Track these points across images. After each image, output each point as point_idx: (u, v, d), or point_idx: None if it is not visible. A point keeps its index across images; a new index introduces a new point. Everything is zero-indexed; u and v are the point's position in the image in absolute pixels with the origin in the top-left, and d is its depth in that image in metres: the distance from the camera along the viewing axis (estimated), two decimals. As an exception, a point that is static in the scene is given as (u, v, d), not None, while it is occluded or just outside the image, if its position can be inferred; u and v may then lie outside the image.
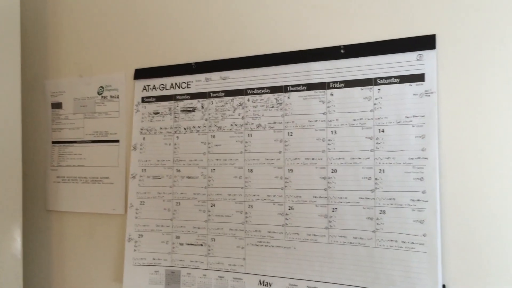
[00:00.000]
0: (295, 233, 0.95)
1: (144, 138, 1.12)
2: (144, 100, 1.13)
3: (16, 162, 1.10)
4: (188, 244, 1.06)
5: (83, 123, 1.22)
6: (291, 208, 0.96)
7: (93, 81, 1.21)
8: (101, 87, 1.20)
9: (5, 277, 1.08)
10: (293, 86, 0.97)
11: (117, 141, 1.17)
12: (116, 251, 1.17)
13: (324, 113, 0.94)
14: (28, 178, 1.26)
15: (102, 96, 1.19)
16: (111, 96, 1.18)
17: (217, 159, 1.04)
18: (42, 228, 1.28)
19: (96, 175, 1.20)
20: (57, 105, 1.26)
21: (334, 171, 0.92)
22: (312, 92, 0.95)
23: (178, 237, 1.07)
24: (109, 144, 1.18)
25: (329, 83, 0.94)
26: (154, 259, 1.09)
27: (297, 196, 0.95)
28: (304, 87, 0.96)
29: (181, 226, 1.07)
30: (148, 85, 1.13)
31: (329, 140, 0.93)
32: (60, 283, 1.25)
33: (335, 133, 0.92)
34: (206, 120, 1.06)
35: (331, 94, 0.93)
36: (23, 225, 1.12)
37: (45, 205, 1.27)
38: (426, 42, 0.85)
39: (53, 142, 1.27)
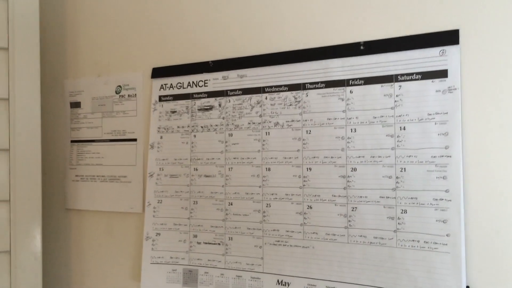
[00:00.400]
0: (314, 233, 0.94)
1: (161, 137, 1.12)
2: (161, 99, 1.13)
3: (36, 161, 1.11)
4: (206, 243, 1.05)
5: (101, 122, 1.23)
6: (309, 207, 0.94)
7: (111, 80, 1.21)
8: (119, 86, 1.20)
9: (25, 275, 1.09)
10: (311, 83, 0.96)
11: (134, 140, 1.17)
12: (134, 249, 1.17)
13: (344, 111, 0.92)
14: (47, 177, 1.27)
15: (120, 95, 1.20)
16: (128, 95, 1.19)
17: (234, 158, 1.03)
18: (61, 226, 1.29)
19: (114, 174, 1.20)
20: (75, 105, 1.27)
21: (354, 169, 0.90)
22: (331, 90, 0.94)
23: (195, 236, 1.07)
24: (127, 143, 1.19)
25: (348, 80, 0.92)
26: (171, 257, 1.09)
27: (316, 195, 0.94)
28: (323, 85, 0.95)
29: (199, 225, 1.06)
30: (165, 84, 1.13)
31: (349, 138, 0.91)
32: (79, 281, 1.26)
33: (355, 131, 0.91)
34: (223, 118, 1.05)
35: (351, 92, 0.92)
36: (43, 224, 1.12)
37: (64, 204, 1.28)
38: (449, 37, 0.83)
39: (72, 141, 1.27)
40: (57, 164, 1.29)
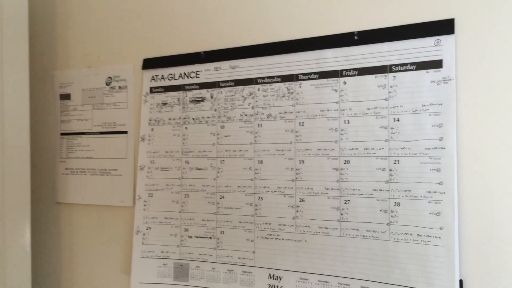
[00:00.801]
0: (306, 226, 0.92)
1: (152, 129, 1.10)
2: (152, 90, 1.11)
3: (25, 154, 1.09)
4: (197, 237, 1.04)
5: (92, 114, 1.20)
6: (302, 200, 0.93)
7: (101, 71, 1.19)
8: (109, 77, 1.18)
9: (14, 269, 1.07)
10: (304, 74, 0.94)
11: (125, 132, 1.15)
12: (125, 243, 1.15)
13: (337, 102, 0.91)
14: (36, 170, 1.25)
15: (110, 87, 1.18)
16: (119, 87, 1.17)
17: (226, 150, 1.01)
18: (51, 220, 1.27)
19: (104, 167, 1.18)
20: (65, 96, 1.25)
21: (347, 162, 0.89)
22: (324, 81, 0.92)
23: (186, 230, 1.05)
24: (117, 135, 1.17)
25: (342, 71, 0.91)
26: (162, 251, 1.07)
27: (308, 188, 0.92)
28: (316, 76, 0.93)
29: (190, 219, 1.05)
30: (156, 75, 1.11)
31: (342, 130, 0.90)
32: (69, 275, 1.24)
33: (348, 122, 0.89)
34: (215, 110, 1.03)
35: (344, 83, 0.90)
36: (32, 217, 1.11)
37: (54, 197, 1.26)
38: (444, 27, 0.81)
39: (62, 134, 1.25)
40: (47, 157, 1.27)
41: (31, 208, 1.10)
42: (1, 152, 1.06)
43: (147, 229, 1.09)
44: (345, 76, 0.90)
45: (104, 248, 1.19)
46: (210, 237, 1.02)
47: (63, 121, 1.25)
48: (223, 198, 1.01)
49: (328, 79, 0.92)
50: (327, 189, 0.91)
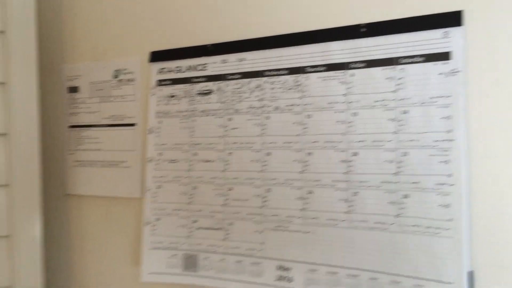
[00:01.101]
0: (314, 218, 0.93)
1: (160, 122, 1.11)
2: (160, 83, 1.12)
3: (34, 146, 1.11)
4: (206, 228, 1.05)
5: (100, 107, 1.21)
6: (310, 192, 0.94)
7: (109, 64, 1.20)
8: (117, 70, 1.18)
9: (25, 260, 1.09)
10: (311, 67, 0.94)
11: (133, 124, 1.16)
12: (134, 234, 1.17)
13: (344, 95, 0.91)
14: (46, 162, 1.26)
15: (118, 80, 1.18)
16: (127, 80, 1.17)
17: (234, 143, 1.02)
18: (61, 212, 1.29)
19: (113, 159, 1.19)
20: (73, 89, 1.25)
21: (355, 154, 0.89)
22: (331, 73, 0.92)
23: (195, 221, 1.06)
24: (125, 128, 1.17)
25: (349, 63, 0.90)
26: (171, 243, 1.08)
27: (316, 180, 0.93)
28: (323, 68, 0.93)
29: (198, 210, 1.06)
30: (163, 68, 1.11)
31: (350, 122, 0.90)
32: (80, 266, 1.26)
33: (356, 115, 0.89)
34: (222, 103, 1.03)
35: (352, 75, 0.90)
36: (43, 209, 1.12)
37: (63, 189, 1.28)
38: (453, 19, 0.81)
39: (70, 126, 1.26)
40: (56, 149, 1.28)
41: (42, 200, 1.12)
42: (12, 143, 1.07)
43: (156, 221, 1.10)
44: (353, 68, 0.90)
45: (114, 239, 1.20)
46: (219, 229, 1.03)
47: (71, 114, 1.26)
48: (231, 190, 1.02)
49: (336, 71, 0.92)
50: (335, 181, 0.91)
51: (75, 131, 1.25)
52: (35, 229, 1.11)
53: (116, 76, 1.18)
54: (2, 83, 1.06)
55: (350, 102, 0.90)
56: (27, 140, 1.10)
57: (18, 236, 1.08)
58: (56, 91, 1.28)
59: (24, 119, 1.09)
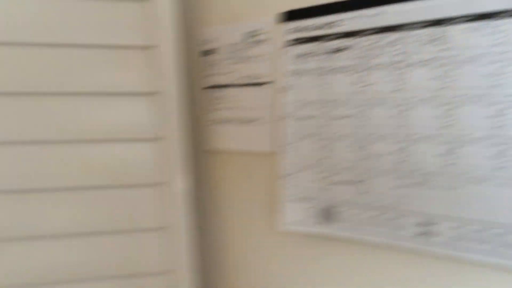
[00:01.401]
0: (458, 174, 0.91)
1: (293, 80, 1.15)
2: (292, 42, 1.15)
3: (175, 108, 1.23)
4: (342, 183, 1.08)
5: (234, 68, 1.28)
6: (452, 148, 0.92)
7: (242, 26, 1.25)
8: (250, 32, 1.24)
9: (175, 207, 1.24)
10: (453, 18, 0.90)
11: (266, 83, 1.22)
12: (268, 188, 1.24)
13: (492, 46, 0.85)
14: (187, 122, 1.38)
15: (251, 41, 1.24)
16: (259, 41, 1.22)
17: (369, 99, 1.02)
18: (201, 165, 1.41)
19: (247, 116, 1.27)
20: (209, 52, 1.34)
21: (504, 110, 0.85)
22: (476, 24, 0.87)
23: (331, 176, 1.10)
24: (259, 87, 1.24)
25: (499, 12, 0.84)
26: (307, 196, 1.14)
27: (459, 136, 0.91)
28: (467, 19, 0.88)
29: (334, 165, 1.09)
30: (296, 27, 1.14)
31: (497, 75, 0.85)
32: (217, 218, 1.39)
33: (505, 68, 0.84)
34: (358, 58, 1.03)
35: (498, 25, 0.84)
36: (186, 165, 1.25)
37: (202, 146, 1.40)
38: None
39: (207, 87, 1.36)
40: (195, 109, 1.40)
41: (184, 157, 1.24)
42: (159, 102, 1.20)
43: (291, 174, 1.16)
44: (503, 18, 0.84)
45: (250, 193, 1.30)
46: (356, 183, 1.06)
47: (207, 76, 1.35)
48: (368, 145, 1.03)
49: (482, 21, 0.86)
50: (481, 138, 0.88)
51: (211, 92, 1.35)
52: (182, 179, 1.24)
53: (249, 37, 1.24)
54: (152, 46, 1.17)
55: (501, 54, 0.85)
56: (170, 98, 1.22)
57: (168, 185, 1.22)
58: (193, 54, 1.38)
59: (165, 83, 1.21)
